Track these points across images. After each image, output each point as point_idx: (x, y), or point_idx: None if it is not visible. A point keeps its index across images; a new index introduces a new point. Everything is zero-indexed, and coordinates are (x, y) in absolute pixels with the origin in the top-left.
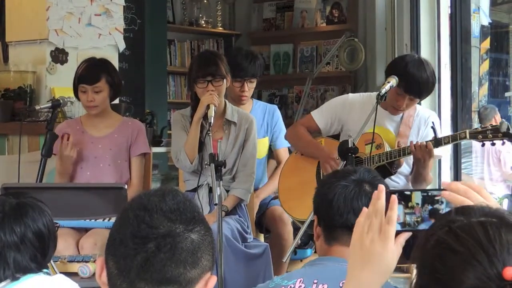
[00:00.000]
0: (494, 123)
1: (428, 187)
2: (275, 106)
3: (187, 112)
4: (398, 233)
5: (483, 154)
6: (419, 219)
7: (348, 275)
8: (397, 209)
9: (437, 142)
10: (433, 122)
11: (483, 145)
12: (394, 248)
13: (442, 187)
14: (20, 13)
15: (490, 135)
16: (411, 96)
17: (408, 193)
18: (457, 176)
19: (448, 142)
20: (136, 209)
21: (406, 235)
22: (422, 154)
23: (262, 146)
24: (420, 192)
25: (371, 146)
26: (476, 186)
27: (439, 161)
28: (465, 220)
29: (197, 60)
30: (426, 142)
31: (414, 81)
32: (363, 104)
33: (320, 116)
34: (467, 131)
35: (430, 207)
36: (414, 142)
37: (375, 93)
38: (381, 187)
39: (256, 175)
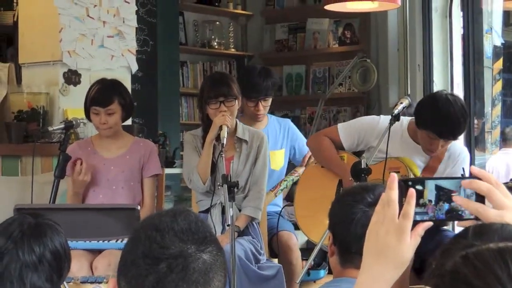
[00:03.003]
0: None
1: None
2: (288, 120)
3: (198, 133)
4: (415, 223)
5: (507, 175)
6: (433, 220)
7: (363, 264)
8: (414, 204)
9: None
10: (463, 169)
11: None
12: (409, 242)
13: (469, 175)
14: (33, 35)
15: None
16: (446, 139)
17: (420, 187)
18: None
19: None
20: (148, 229)
21: (425, 225)
22: None
23: (278, 158)
24: (434, 186)
25: (383, 172)
26: (495, 181)
27: None
28: (482, 245)
29: (209, 81)
30: None
31: (447, 127)
32: (392, 133)
33: (347, 135)
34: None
35: (446, 205)
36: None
37: (407, 120)
38: (393, 176)
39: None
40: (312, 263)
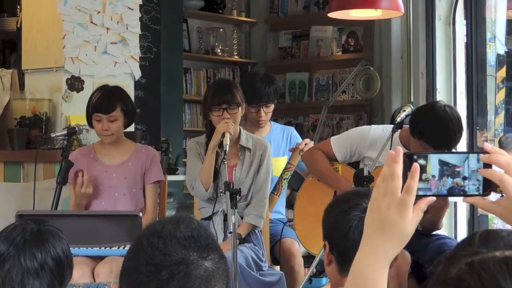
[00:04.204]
0: None
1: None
2: (292, 128)
3: (202, 140)
4: (418, 198)
5: None
6: (436, 195)
7: (363, 238)
8: (417, 178)
9: None
10: None
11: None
12: (411, 217)
13: (482, 152)
14: (36, 41)
15: None
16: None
17: (423, 162)
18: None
19: None
20: (150, 236)
21: (427, 200)
22: (437, 203)
23: (281, 165)
24: (437, 161)
25: None
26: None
27: None
28: (488, 254)
29: (212, 88)
30: None
31: (443, 140)
32: (384, 141)
33: (339, 147)
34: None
35: (450, 180)
36: None
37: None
38: (398, 149)
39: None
40: (315, 270)
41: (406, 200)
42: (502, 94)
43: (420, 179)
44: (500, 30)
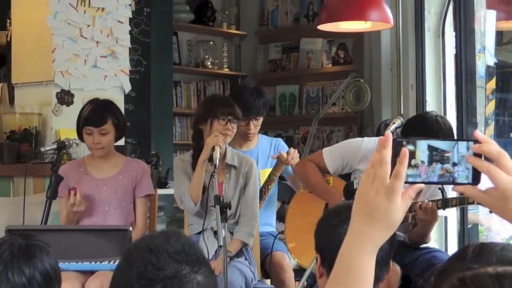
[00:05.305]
0: None
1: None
2: (279, 139)
3: (187, 157)
4: (407, 184)
5: None
6: (425, 182)
7: (351, 225)
8: (406, 164)
9: (445, 203)
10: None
11: (490, 211)
12: (400, 203)
13: (474, 139)
14: (26, 55)
15: None
16: None
17: (411, 148)
18: (463, 215)
19: (456, 205)
20: (141, 251)
21: (416, 187)
22: (426, 216)
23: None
24: (426, 146)
25: None
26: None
27: None
28: (481, 270)
29: (216, 99)
30: (432, 203)
31: None
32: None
33: (331, 159)
34: None
35: (439, 166)
36: (426, 197)
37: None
38: (388, 134)
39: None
40: (305, 283)
41: (395, 186)
42: (492, 105)
43: (410, 165)
44: (490, 41)
